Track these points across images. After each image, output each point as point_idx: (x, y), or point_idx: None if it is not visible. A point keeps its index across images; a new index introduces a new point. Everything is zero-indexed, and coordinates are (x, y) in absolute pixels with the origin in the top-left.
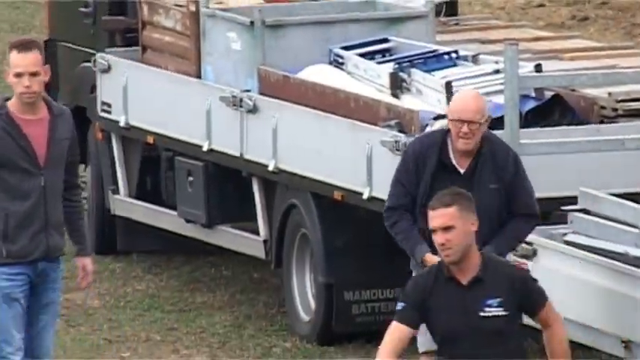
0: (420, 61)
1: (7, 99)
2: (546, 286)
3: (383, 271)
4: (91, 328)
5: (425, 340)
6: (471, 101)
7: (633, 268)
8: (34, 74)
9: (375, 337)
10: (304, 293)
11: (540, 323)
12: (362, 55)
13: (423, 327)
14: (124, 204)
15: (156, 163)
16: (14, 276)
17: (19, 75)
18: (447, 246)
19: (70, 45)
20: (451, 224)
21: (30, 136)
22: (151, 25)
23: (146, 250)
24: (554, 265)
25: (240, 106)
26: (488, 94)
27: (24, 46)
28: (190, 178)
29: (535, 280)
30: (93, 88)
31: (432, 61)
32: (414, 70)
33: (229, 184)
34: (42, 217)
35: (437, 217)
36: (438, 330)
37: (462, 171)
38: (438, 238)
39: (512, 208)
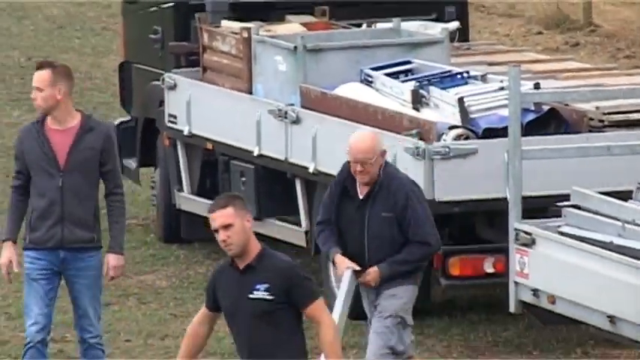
0: (436, 79)
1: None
2: (543, 270)
3: None
4: (160, 305)
5: None
6: (361, 143)
7: (617, 255)
8: (39, 89)
9: None
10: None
11: (310, 320)
12: (388, 75)
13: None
14: (187, 200)
15: (214, 166)
16: (35, 260)
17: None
18: (229, 242)
19: (141, 66)
20: (229, 222)
21: (54, 144)
22: (211, 50)
23: (206, 238)
24: (550, 252)
25: (285, 118)
26: (494, 107)
27: (38, 66)
28: (243, 179)
29: (307, 279)
30: (161, 103)
31: (447, 80)
32: (432, 88)
33: (276, 183)
34: (58, 212)
35: (217, 219)
36: (222, 309)
37: (360, 197)
38: (220, 236)
39: (406, 235)
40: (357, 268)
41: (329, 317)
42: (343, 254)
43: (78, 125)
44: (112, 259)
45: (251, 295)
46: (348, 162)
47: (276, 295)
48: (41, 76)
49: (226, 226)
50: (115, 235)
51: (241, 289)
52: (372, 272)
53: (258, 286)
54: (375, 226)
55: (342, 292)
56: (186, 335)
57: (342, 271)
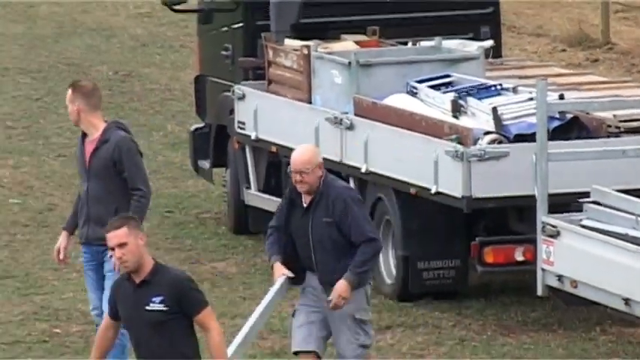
0: (473, 91)
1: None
2: (567, 258)
3: (445, 246)
4: (230, 289)
5: (295, 342)
6: (300, 156)
7: (631, 245)
8: (68, 107)
9: (439, 296)
10: (388, 263)
11: (200, 327)
12: (431, 87)
13: (295, 331)
14: (254, 196)
15: (277, 166)
16: (83, 253)
17: None
18: (124, 259)
19: (214, 79)
20: (124, 241)
21: (85, 152)
22: (275, 65)
23: None
24: (572, 243)
25: (340, 125)
26: (524, 115)
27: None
28: None
29: (195, 290)
30: (231, 111)
31: (482, 92)
32: (469, 98)
33: None
34: (85, 212)
35: (112, 238)
36: (122, 319)
37: (304, 205)
38: (116, 254)
39: (350, 239)
40: (292, 275)
41: (216, 324)
42: (289, 258)
43: (98, 137)
44: None
45: (147, 307)
46: None
47: (170, 305)
48: (67, 95)
49: (121, 245)
50: None
51: (138, 302)
52: (340, 286)
53: (153, 299)
54: (318, 230)
55: (270, 295)
56: (97, 339)
57: (277, 277)
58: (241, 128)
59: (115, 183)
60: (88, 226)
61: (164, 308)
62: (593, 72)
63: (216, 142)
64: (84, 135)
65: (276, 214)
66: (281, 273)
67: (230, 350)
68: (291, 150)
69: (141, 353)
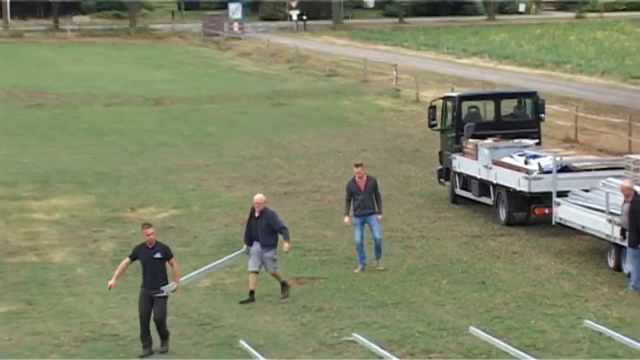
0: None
1: None
2: (563, 212)
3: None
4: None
5: (250, 266)
6: (258, 198)
7: (584, 207)
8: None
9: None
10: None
11: (170, 265)
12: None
13: (249, 264)
14: None
15: None
16: None
17: None
18: (153, 238)
19: None
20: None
21: None
22: None
23: None
24: (564, 207)
25: None
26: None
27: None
28: None
29: (168, 248)
30: None
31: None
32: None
33: None
34: None
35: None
36: (140, 261)
37: (256, 216)
38: (147, 232)
39: (274, 228)
40: (249, 247)
41: (177, 264)
42: (250, 237)
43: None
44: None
45: (154, 256)
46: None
47: (163, 255)
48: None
49: (149, 226)
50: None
51: (150, 254)
52: (287, 245)
53: (157, 254)
54: (263, 227)
55: (230, 256)
56: (120, 268)
57: (243, 248)
58: None
59: None
60: None
61: (160, 257)
62: None
63: None
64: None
65: (247, 222)
66: (245, 247)
67: (182, 278)
68: None
69: (148, 276)
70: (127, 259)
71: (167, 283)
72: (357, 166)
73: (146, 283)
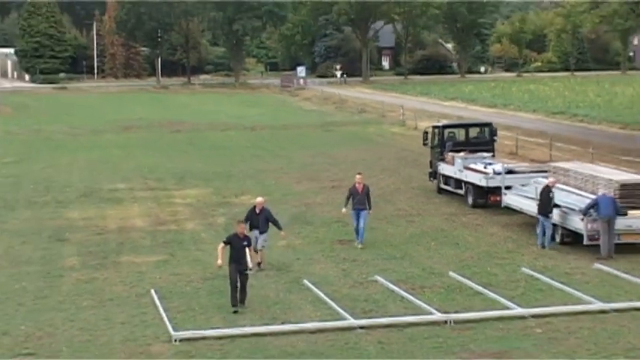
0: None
1: None
2: (509, 199)
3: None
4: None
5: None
6: (259, 200)
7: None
8: None
9: None
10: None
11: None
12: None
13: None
14: None
15: None
16: None
17: None
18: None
19: None
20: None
21: None
22: None
23: None
24: (511, 196)
25: None
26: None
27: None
28: None
29: (248, 237)
30: None
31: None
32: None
33: None
34: None
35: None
36: (232, 246)
37: (257, 212)
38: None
39: (270, 220)
40: (253, 236)
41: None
42: (252, 229)
43: None
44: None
45: (243, 244)
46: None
47: (247, 244)
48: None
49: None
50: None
51: (241, 242)
52: (282, 232)
53: (245, 242)
54: (262, 221)
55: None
56: (220, 250)
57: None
58: None
59: None
60: None
61: (246, 244)
62: None
63: None
64: None
65: (247, 213)
66: (253, 234)
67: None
68: None
69: (236, 256)
70: (222, 244)
71: (246, 261)
72: (358, 174)
73: (235, 260)
